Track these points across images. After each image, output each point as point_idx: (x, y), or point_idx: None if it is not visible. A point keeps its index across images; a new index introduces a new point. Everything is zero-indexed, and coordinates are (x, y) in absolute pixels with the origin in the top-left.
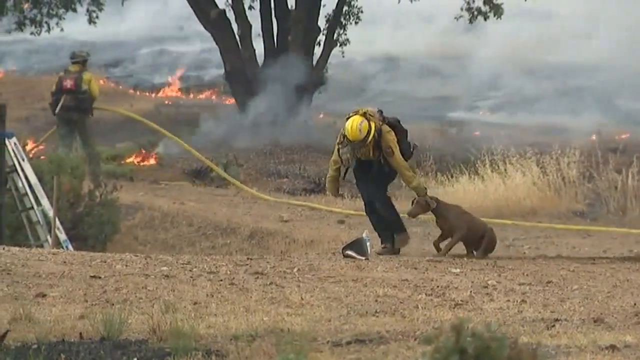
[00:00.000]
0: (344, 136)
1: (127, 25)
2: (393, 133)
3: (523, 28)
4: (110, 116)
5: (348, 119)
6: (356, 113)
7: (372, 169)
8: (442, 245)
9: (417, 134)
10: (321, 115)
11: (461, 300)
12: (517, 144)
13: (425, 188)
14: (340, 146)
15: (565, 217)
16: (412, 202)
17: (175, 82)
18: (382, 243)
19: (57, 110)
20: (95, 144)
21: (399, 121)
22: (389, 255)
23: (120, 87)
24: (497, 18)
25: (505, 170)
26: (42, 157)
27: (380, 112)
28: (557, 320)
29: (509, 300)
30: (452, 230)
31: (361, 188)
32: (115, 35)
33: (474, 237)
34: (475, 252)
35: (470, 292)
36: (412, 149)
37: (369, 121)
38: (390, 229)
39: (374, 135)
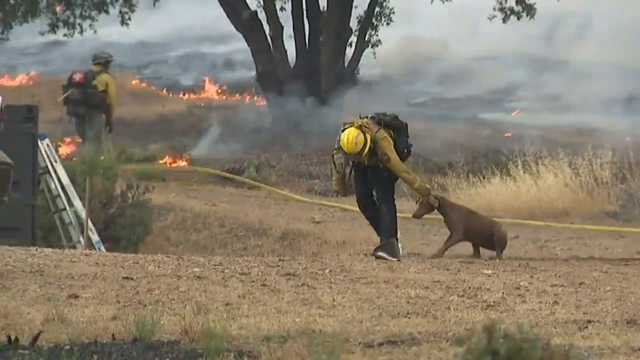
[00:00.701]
0: (340, 147)
1: (159, 26)
2: (388, 138)
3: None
4: (143, 117)
5: (343, 130)
6: (352, 125)
7: (370, 170)
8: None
9: (449, 134)
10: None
11: (493, 302)
12: (550, 145)
13: (428, 188)
14: (335, 152)
15: (597, 218)
16: (416, 202)
17: (207, 84)
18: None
19: (60, 100)
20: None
21: (397, 117)
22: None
23: (153, 87)
24: (530, 18)
25: (538, 171)
26: (74, 158)
27: (372, 117)
28: (589, 321)
29: (541, 302)
30: (451, 230)
31: (357, 187)
32: (148, 37)
33: (482, 237)
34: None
35: (503, 293)
36: (405, 150)
37: (364, 134)
38: (386, 231)
39: (370, 147)
